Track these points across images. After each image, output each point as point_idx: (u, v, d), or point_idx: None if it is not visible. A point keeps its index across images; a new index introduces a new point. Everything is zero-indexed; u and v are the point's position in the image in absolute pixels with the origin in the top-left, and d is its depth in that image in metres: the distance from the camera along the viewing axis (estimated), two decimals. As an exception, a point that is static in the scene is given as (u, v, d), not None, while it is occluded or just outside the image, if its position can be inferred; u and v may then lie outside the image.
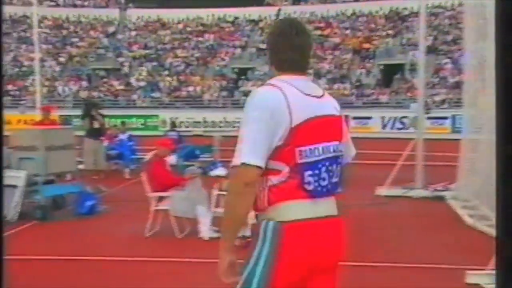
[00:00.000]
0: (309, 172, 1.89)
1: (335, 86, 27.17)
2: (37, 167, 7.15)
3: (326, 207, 1.94)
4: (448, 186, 8.58)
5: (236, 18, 34.34)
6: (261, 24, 33.54)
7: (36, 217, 7.10)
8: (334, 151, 1.97)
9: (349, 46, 29.62)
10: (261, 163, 1.83)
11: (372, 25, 30.90)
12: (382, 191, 8.76)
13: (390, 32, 30.09)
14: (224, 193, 6.19)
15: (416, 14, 30.37)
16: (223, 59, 30.69)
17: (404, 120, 22.72)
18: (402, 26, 30.09)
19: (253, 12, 34.30)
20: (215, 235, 6.14)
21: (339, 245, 1.98)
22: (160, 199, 6.29)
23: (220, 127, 24.91)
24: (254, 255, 1.89)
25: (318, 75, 28.13)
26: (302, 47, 2.03)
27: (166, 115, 24.79)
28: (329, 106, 2.01)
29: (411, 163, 9.02)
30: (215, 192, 6.19)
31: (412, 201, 8.36)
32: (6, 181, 7.22)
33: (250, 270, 1.88)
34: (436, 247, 5.81)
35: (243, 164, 1.83)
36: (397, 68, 27.23)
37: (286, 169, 1.88)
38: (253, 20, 34.01)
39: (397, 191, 8.67)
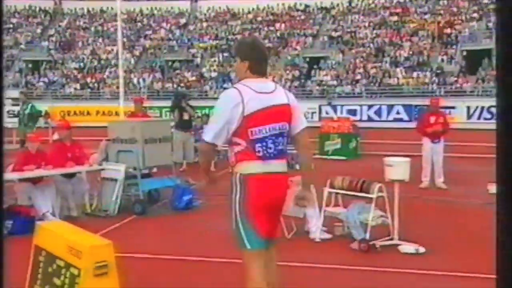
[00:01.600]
0: (259, 144, 2.94)
1: (414, 74, 25.76)
2: (135, 160, 7.00)
3: (274, 166, 2.98)
4: None
5: (307, 6, 33.53)
6: (333, 12, 32.54)
7: (135, 211, 6.97)
8: (279, 129, 3.00)
9: (428, 32, 27.99)
10: (214, 141, 2.95)
11: (454, 9, 28.98)
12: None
13: (474, 15, 28.09)
14: (337, 190, 5.72)
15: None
16: (294, 49, 30.08)
17: (493, 109, 21.12)
18: (488, 9, 27.99)
19: (325, -1, 33.32)
20: (327, 236, 5.69)
21: (283, 191, 3.07)
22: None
23: (293, 117, 24.44)
24: (233, 198, 2.97)
25: (395, 64, 26.83)
26: (264, 60, 3.17)
27: (238, 106, 24.56)
28: (279, 98, 3.03)
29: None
30: (326, 190, 5.70)
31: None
32: (107, 174, 7.14)
33: (233, 206, 2.97)
34: None
35: (203, 140, 3.01)
36: (483, 54, 25.36)
37: (243, 143, 2.93)
38: (325, 8, 33.05)
39: (515, 190, 7.78)
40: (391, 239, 5.23)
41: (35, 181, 6.49)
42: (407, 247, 5.05)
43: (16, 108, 13.25)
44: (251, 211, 2.92)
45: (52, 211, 6.42)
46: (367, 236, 5.14)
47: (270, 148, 2.94)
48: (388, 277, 4.66)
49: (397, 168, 4.99)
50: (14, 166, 6.52)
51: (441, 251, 5.21)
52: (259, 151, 2.91)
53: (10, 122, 13.80)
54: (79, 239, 3.23)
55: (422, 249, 5.03)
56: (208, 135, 2.94)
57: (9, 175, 6.48)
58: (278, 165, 2.98)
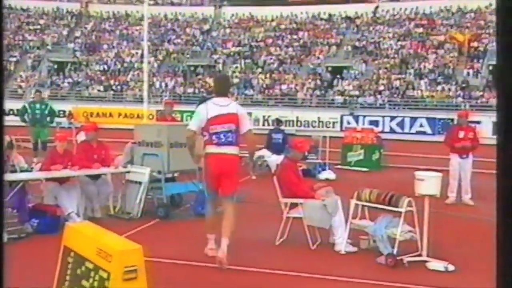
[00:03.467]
0: (215, 136, 5.16)
1: (438, 87, 25.43)
2: (160, 164, 7.00)
3: (225, 150, 5.15)
4: None
5: (331, 15, 33.45)
6: (357, 22, 32.38)
7: (158, 215, 6.95)
8: (228, 128, 5.18)
9: (454, 45, 27.63)
10: (194, 129, 5.24)
11: (481, 22, 28.59)
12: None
13: (501, 29, 27.61)
14: (364, 203, 5.62)
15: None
16: (317, 57, 29.99)
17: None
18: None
19: (349, 9, 33.18)
20: (352, 249, 5.59)
21: (231, 165, 5.21)
22: (292, 205, 5.83)
23: (313, 126, 24.34)
24: (202, 167, 5.43)
25: (419, 76, 26.55)
26: (227, 86, 5.93)
27: (258, 112, 24.67)
28: (230, 109, 5.26)
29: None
30: (353, 202, 5.61)
31: None
32: (131, 177, 7.15)
33: (200, 175, 5.87)
34: None
35: (188, 129, 5.34)
36: (510, 69, 24.89)
37: (207, 134, 5.18)
38: (349, 17, 32.93)
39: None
40: (419, 255, 5.10)
41: (61, 181, 6.54)
42: (436, 264, 4.92)
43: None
44: (209, 175, 5.23)
45: (77, 212, 6.45)
46: (395, 251, 5.03)
47: (222, 139, 5.11)
48: (416, 294, 4.54)
49: (429, 182, 4.88)
50: (41, 165, 6.58)
51: (471, 270, 5.06)
52: (215, 140, 5.12)
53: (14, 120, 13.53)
54: (109, 242, 3.20)
55: (451, 267, 4.90)
56: (191, 125, 5.28)
57: (36, 174, 6.54)
58: (227, 149, 5.13)
